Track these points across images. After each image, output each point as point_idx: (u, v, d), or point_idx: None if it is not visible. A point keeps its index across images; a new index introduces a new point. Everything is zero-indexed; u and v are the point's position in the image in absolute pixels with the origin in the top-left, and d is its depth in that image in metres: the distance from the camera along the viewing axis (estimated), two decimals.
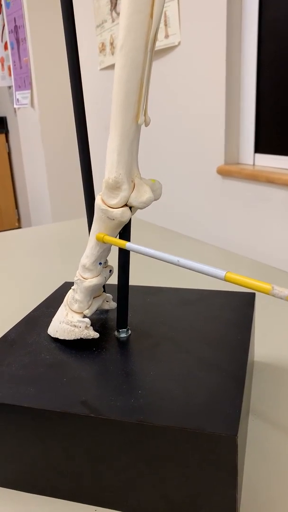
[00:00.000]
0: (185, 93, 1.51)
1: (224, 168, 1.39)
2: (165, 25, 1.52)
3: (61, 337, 0.40)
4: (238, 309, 0.45)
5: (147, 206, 0.36)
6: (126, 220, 0.36)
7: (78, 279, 0.39)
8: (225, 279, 0.29)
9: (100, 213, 0.36)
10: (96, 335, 0.39)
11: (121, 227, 0.37)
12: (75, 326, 0.39)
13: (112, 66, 2.00)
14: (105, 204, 0.36)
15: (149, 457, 0.30)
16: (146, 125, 0.36)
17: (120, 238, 0.39)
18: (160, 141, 1.70)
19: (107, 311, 0.46)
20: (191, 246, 0.96)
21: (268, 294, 0.27)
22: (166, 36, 1.54)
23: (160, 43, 1.55)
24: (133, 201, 0.35)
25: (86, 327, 0.39)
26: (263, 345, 0.55)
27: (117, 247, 0.39)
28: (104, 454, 0.31)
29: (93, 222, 0.37)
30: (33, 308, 0.67)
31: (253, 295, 0.48)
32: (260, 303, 0.66)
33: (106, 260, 0.40)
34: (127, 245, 0.35)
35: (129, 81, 0.33)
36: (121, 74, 0.33)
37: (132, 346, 0.39)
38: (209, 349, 0.38)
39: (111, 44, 1.91)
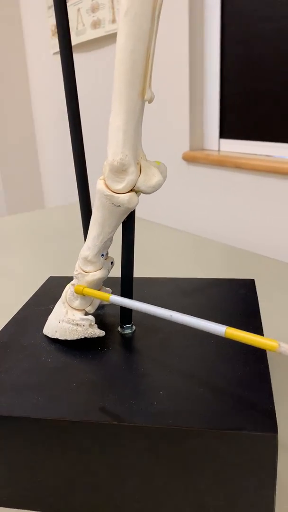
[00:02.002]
0: None
1: (189, 154, 1.38)
2: (113, 8, 1.47)
3: (62, 338, 0.36)
4: (242, 296, 0.43)
5: (156, 190, 0.33)
6: (133, 206, 0.33)
7: (79, 273, 0.35)
8: (225, 336, 0.27)
9: (104, 200, 0.33)
10: (102, 333, 0.35)
11: (127, 215, 0.34)
12: (77, 324, 0.35)
13: None
14: (109, 189, 0.33)
15: (181, 463, 0.28)
16: (150, 101, 0.33)
17: (123, 227, 0.36)
18: None
19: (103, 306, 0.43)
20: (159, 232, 0.94)
21: (275, 351, 0.26)
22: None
23: (112, 27, 1.50)
24: (141, 185, 0.32)
25: (91, 325, 0.35)
26: (267, 332, 0.53)
27: (121, 230, 0.36)
28: (129, 464, 0.29)
29: (94, 210, 0.34)
30: (16, 307, 0.62)
31: (252, 281, 0.47)
32: (259, 289, 0.65)
33: (107, 251, 0.37)
34: (111, 298, 0.33)
35: (135, 52, 0.30)
36: (126, 44, 0.30)
37: (140, 343, 0.36)
38: (223, 340, 0.36)
39: None
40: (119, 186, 0.32)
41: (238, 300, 0.43)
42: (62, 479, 0.30)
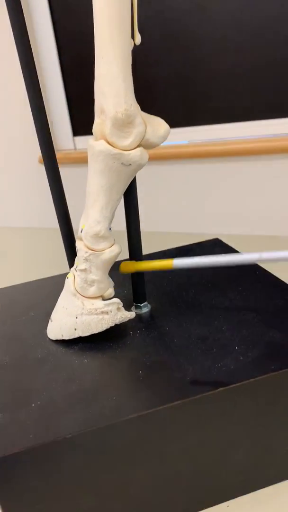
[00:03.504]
0: None
1: None
2: None
3: (86, 333, 0.31)
4: (222, 252, 0.43)
5: (165, 141, 0.30)
6: (145, 162, 0.30)
7: (90, 255, 0.30)
8: None
9: (110, 161, 0.29)
10: (132, 314, 0.31)
11: (134, 175, 0.30)
12: (103, 312, 0.30)
13: None
14: (116, 147, 0.29)
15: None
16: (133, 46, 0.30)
17: (126, 192, 0.32)
18: None
19: None
20: (30, 235, 0.90)
21: None
22: None
23: None
24: (150, 136, 0.29)
25: (119, 309, 0.31)
26: None
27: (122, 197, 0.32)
28: (234, 431, 0.26)
29: (97, 177, 0.29)
30: None
31: (217, 239, 0.47)
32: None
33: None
34: (174, 263, 0.29)
35: None
36: None
37: (167, 316, 0.33)
38: (247, 292, 0.35)
39: None
40: (127, 142, 0.28)
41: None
42: (170, 475, 0.26)
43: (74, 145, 1.35)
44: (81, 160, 1.27)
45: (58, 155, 1.31)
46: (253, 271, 0.38)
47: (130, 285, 0.39)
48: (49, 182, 0.34)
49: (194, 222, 1.10)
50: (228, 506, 0.27)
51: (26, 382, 0.27)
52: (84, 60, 1.21)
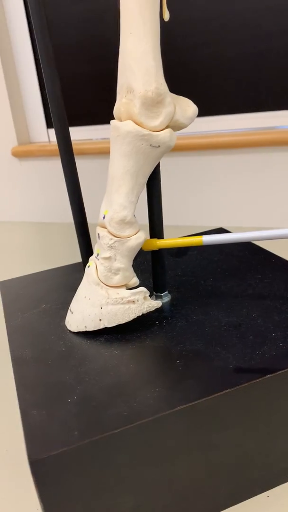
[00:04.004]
0: None
1: (19, 149, 1.28)
2: None
3: (112, 324, 0.29)
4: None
5: (192, 122, 0.29)
6: (174, 144, 0.28)
7: (115, 242, 0.29)
8: None
9: (138, 143, 0.27)
10: (159, 303, 0.30)
11: (161, 158, 0.29)
12: (130, 301, 0.29)
13: None
14: (144, 128, 0.27)
15: None
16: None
17: (149, 179, 0.31)
18: None
19: None
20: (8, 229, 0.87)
21: None
22: None
23: None
24: (179, 117, 0.28)
25: (145, 298, 0.29)
26: None
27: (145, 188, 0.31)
28: (278, 418, 0.25)
29: (123, 160, 0.28)
30: None
31: (223, 229, 0.46)
32: None
33: None
34: (204, 239, 0.29)
35: None
36: None
37: (191, 305, 0.32)
38: (268, 279, 0.35)
39: None
40: (156, 122, 0.27)
41: (244, 249, 0.42)
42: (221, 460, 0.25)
43: (48, 137, 1.32)
44: (56, 152, 1.24)
45: (32, 147, 1.27)
46: (270, 258, 0.38)
47: (143, 274, 0.38)
48: (64, 172, 0.32)
49: (192, 216, 1.09)
50: (268, 497, 0.27)
51: (55, 376, 0.26)
52: (58, 51, 1.18)
